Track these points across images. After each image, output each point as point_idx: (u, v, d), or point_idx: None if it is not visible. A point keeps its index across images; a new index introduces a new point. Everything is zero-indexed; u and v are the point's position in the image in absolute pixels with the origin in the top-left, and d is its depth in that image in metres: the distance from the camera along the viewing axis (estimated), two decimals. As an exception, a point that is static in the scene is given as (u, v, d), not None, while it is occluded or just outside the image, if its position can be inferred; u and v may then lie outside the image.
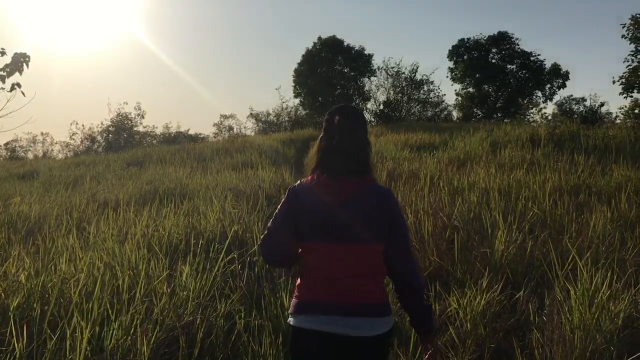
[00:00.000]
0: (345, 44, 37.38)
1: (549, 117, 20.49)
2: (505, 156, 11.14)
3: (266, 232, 2.24)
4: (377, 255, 2.15)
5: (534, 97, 39.96)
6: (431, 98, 38.35)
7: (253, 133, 38.80)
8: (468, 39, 40.92)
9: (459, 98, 41.80)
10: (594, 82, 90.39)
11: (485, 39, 40.35)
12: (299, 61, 37.77)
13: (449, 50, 41.52)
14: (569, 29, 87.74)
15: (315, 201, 2.14)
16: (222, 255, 4.46)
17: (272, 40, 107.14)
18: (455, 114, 41.82)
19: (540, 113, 20.60)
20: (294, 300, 2.21)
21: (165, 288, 3.68)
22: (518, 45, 39.79)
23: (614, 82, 16.58)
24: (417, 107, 37.89)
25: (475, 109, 40.58)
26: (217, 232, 5.76)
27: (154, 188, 10.17)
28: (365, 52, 37.58)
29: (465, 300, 4.01)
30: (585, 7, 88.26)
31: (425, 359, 2.22)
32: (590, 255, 4.33)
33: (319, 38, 37.54)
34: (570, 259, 4.14)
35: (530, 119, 36.27)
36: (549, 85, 39.81)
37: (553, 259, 4.27)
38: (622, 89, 16.42)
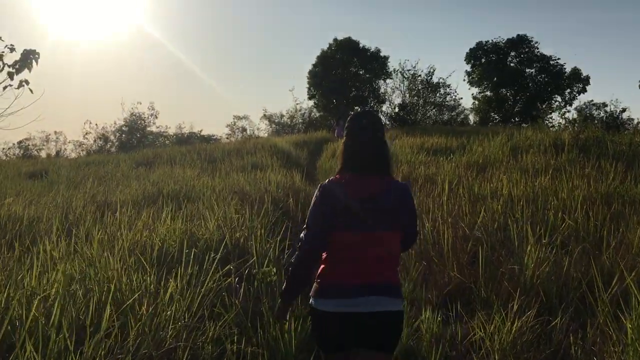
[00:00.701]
0: (361, 45, 36.86)
1: (572, 121, 19.74)
2: (527, 161, 10.54)
3: (305, 228, 2.44)
4: (396, 242, 2.43)
5: (553, 101, 39.07)
6: (447, 101, 37.65)
7: (266, 135, 38.46)
8: (486, 42, 40.14)
9: (476, 102, 41.03)
10: (615, 88, 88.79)
11: (504, 42, 39.55)
12: (313, 62, 37.32)
13: (467, 53, 40.75)
14: (590, 34, 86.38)
15: (345, 196, 2.38)
16: (214, 266, 3.97)
17: (287, 41, 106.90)
18: (472, 117, 41.05)
19: (564, 117, 19.85)
20: (316, 285, 2.43)
21: (145, 307, 3.19)
22: (537, 48, 38.94)
23: (640, 85, 15.82)
24: (433, 110, 37.19)
25: (492, 113, 39.78)
26: (216, 239, 5.28)
27: (158, 190, 9.73)
28: (381, 54, 37.04)
29: (493, 326, 3.47)
30: (606, 11, 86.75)
31: None
32: (637, 275, 3.76)
33: (335, 39, 37.07)
34: (615, 280, 3.58)
35: (550, 123, 35.51)
36: (568, 90, 38.89)
37: (596, 278, 3.70)
38: (650, 92, 15.68)
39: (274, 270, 4.34)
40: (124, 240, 4.48)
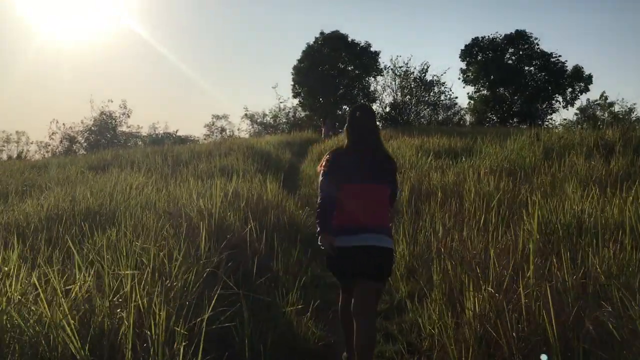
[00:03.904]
0: (350, 39, 34.10)
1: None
2: (578, 167, 7.87)
3: (321, 195, 3.20)
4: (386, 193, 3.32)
5: (554, 101, 36.66)
6: (442, 100, 35.08)
7: (248, 135, 35.66)
8: (482, 37, 37.73)
9: (472, 101, 38.53)
10: (618, 89, 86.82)
11: (501, 38, 37.16)
12: (298, 57, 34.48)
13: (462, 49, 38.30)
14: (592, 32, 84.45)
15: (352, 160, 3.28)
16: None
17: (271, 35, 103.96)
18: (467, 118, 38.53)
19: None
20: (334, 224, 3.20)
21: None
22: (537, 45, 36.54)
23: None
24: (427, 110, 34.58)
25: (489, 114, 37.27)
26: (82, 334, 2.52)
27: (72, 206, 6.91)
28: (372, 49, 34.31)
29: None
30: (609, 9, 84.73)
31: None
32: None
33: (321, 32, 34.25)
34: None
35: (550, 125, 33.11)
36: (570, 89, 36.52)
37: None
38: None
39: None
40: None
